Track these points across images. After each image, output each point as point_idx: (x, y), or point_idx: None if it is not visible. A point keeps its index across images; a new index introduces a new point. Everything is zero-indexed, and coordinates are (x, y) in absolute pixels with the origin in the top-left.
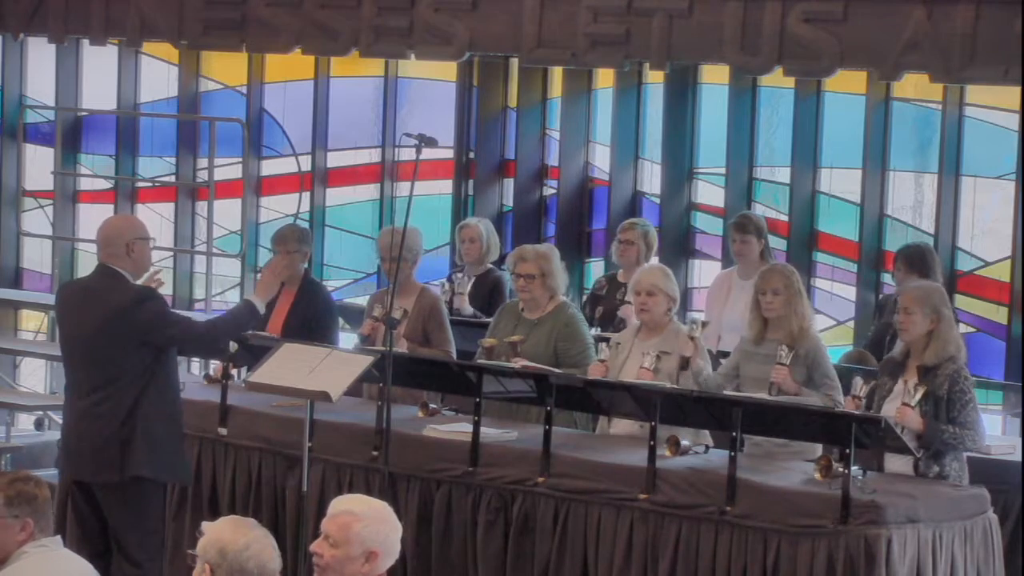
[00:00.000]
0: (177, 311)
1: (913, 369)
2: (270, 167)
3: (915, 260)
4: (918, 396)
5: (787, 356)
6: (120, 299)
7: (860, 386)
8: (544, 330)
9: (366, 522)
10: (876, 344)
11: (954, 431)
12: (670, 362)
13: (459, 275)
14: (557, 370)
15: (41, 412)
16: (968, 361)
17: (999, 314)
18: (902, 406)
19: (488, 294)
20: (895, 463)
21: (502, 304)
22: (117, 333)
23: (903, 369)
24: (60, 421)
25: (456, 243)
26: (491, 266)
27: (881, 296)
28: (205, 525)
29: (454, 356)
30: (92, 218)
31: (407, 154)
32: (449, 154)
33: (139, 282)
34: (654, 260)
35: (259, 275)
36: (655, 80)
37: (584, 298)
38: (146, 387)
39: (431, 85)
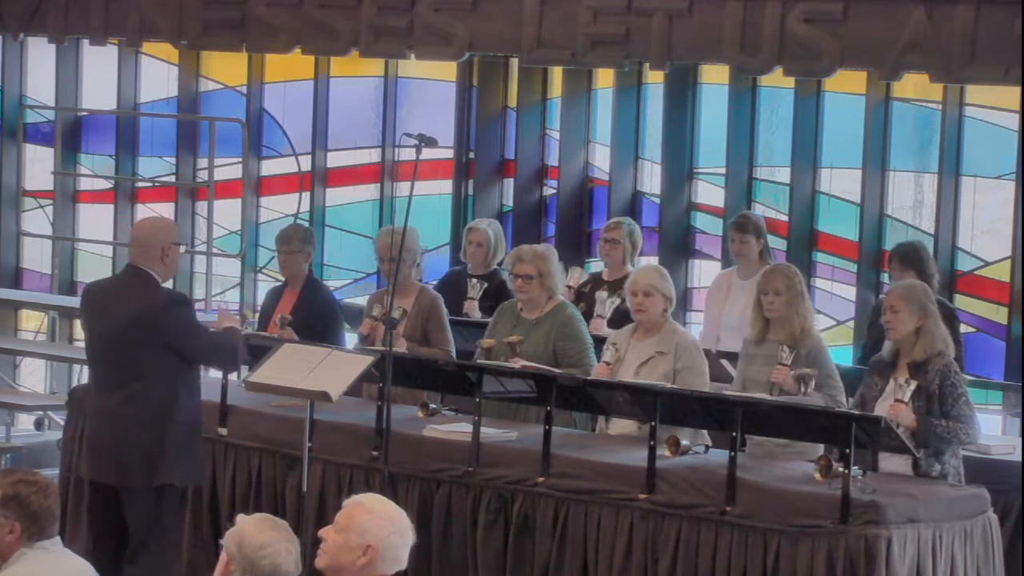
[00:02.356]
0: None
1: (904, 367)
2: (270, 167)
3: (909, 257)
4: (910, 391)
5: (788, 356)
6: (150, 300)
7: (903, 388)
8: (543, 330)
9: (371, 516)
10: (878, 349)
11: (947, 425)
12: (665, 363)
13: (472, 280)
14: (557, 370)
15: (41, 412)
16: (961, 356)
17: (999, 314)
18: (895, 403)
19: (495, 293)
20: (894, 463)
21: (500, 305)
22: (143, 333)
23: (894, 368)
24: (60, 421)
25: (463, 243)
26: (496, 268)
27: (877, 300)
28: (239, 518)
29: (454, 356)
30: (92, 218)
31: (407, 154)
32: (449, 154)
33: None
34: (643, 260)
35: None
36: (655, 80)
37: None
38: (174, 390)
39: (431, 85)
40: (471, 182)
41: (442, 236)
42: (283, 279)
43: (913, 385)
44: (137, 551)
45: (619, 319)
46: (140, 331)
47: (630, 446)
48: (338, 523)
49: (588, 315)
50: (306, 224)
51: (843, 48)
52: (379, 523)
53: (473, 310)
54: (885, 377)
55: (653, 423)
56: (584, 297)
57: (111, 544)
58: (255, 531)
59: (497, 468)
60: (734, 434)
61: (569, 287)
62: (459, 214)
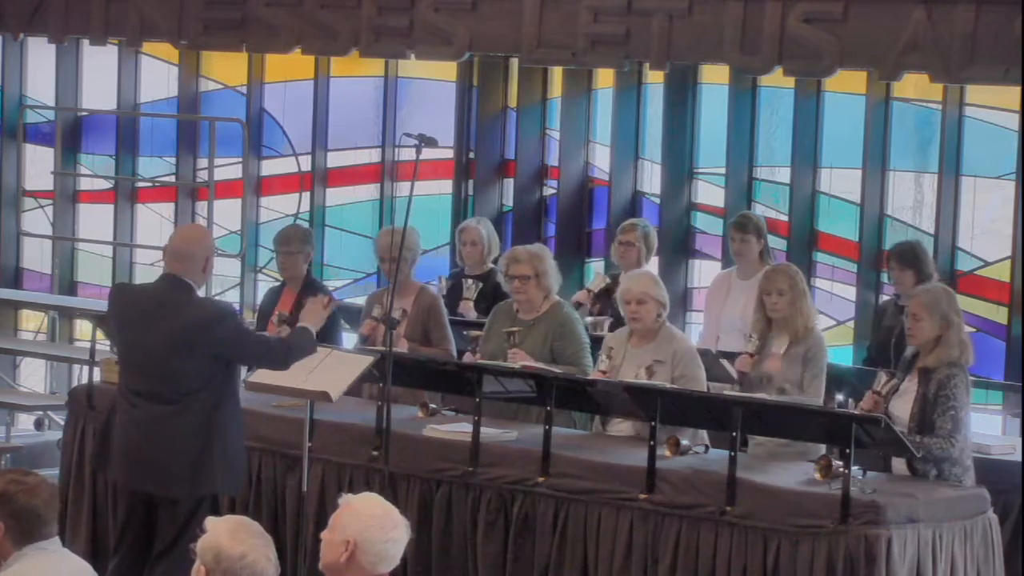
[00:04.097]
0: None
1: (917, 371)
2: (270, 167)
3: (908, 257)
4: (888, 386)
5: (753, 345)
6: (199, 313)
7: (882, 382)
8: (540, 330)
9: (353, 512)
10: (881, 351)
11: (920, 440)
12: (663, 372)
13: (467, 281)
14: (557, 369)
15: (41, 412)
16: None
17: (999, 314)
18: (871, 393)
19: (491, 292)
20: (895, 464)
21: (496, 306)
22: (194, 347)
23: (911, 369)
24: (60, 421)
25: (456, 245)
26: (492, 266)
27: (880, 303)
28: (208, 521)
29: (454, 355)
30: (92, 218)
31: (407, 154)
32: (449, 154)
33: None
34: (651, 262)
35: (305, 307)
36: (655, 80)
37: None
38: (220, 400)
39: (431, 85)
40: (471, 182)
41: (442, 236)
42: (282, 279)
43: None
44: (162, 556)
45: None
46: (191, 346)
47: (630, 446)
48: (330, 523)
49: (605, 315)
50: (306, 224)
51: (843, 48)
52: (360, 519)
53: (468, 311)
54: (903, 376)
55: (653, 423)
56: (601, 300)
57: (136, 549)
58: (231, 542)
59: (497, 468)
60: (734, 434)
61: (589, 291)
62: (459, 214)
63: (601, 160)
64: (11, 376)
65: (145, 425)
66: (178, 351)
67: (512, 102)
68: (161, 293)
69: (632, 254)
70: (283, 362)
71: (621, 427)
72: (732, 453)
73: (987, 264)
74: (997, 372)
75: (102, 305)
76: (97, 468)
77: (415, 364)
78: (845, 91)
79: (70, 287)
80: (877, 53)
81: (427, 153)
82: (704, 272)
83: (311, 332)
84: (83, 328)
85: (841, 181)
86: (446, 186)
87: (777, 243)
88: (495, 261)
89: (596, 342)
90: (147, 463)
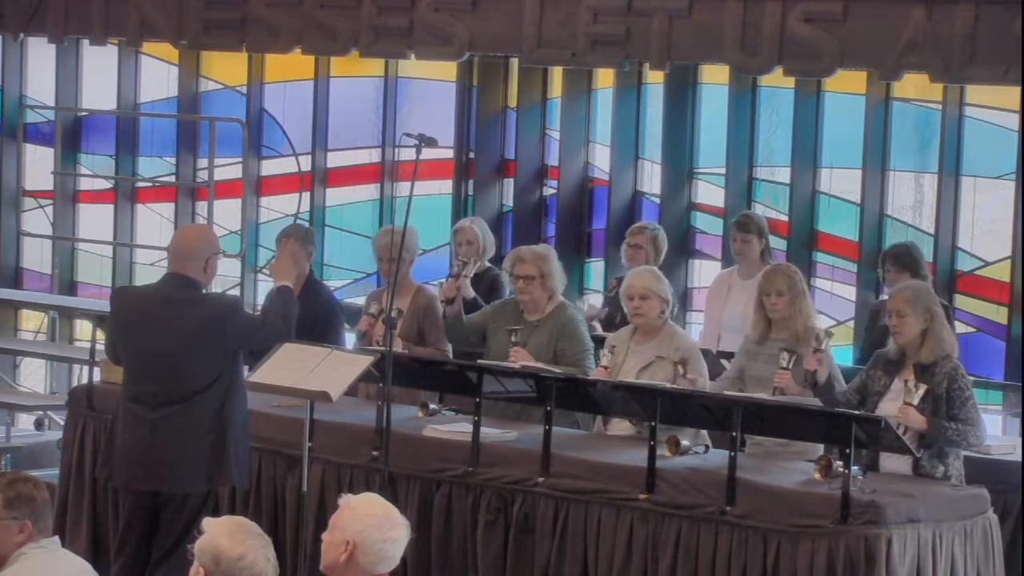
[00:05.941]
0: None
1: (910, 367)
2: (270, 167)
3: (904, 259)
4: (920, 394)
5: (789, 360)
6: (212, 309)
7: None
8: (544, 331)
9: (354, 514)
10: (875, 352)
11: (957, 428)
12: (666, 368)
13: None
14: (557, 369)
15: (41, 412)
16: (960, 357)
17: (999, 314)
18: (904, 405)
19: (486, 292)
20: (895, 463)
21: (503, 299)
22: (210, 342)
23: (900, 368)
24: (60, 421)
25: (452, 246)
26: (489, 264)
27: (873, 304)
28: (206, 522)
29: (450, 355)
30: (92, 218)
31: (407, 154)
32: (449, 154)
33: None
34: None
35: (272, 267)
36: (655, 80)
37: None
38: (228, 392)
39: (431, 85)
40: (471, 182)
41: (442, 236)
42: None
43: (923, 389)
44: (164, 558)
45: None
46: (207, 341)
47: (630, 446)
48: (330, 523)
49: (612, 321)
50: (306, 224)
51: (843, 48)
52: (359, 519)
53: (466, 287)
54: (890, 375)
55: (653, 423)
56: (613, 302)
57: (138, 553)
58: (230, 543)
59: (497, 468)
60: (734, 434)
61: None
62: (459, 214)
63: (601, 160)
64: (11, 376)
65: (154, 426)
66: (194, 347)
67: (512, 102)
68: (168, 292)
69: (640, 257)
70: (287, 334)
71: (622, 427)
72: (732, 453)
73: (987, 264)
74: (997, 372)
75: (102, 305)
76: (104, 477)
77: (415, 364)
78: (845, 91)
79: (70, 287)
80: (877, 53)
81: (427, 153)
82: (704, 272)
83: (290, 288)
84: (83, 328)
85: (841, 181)
86: (446, 186)
87: (777, 243)
88: (491, 260)
89: (601, 343)
90: (158, 463)
